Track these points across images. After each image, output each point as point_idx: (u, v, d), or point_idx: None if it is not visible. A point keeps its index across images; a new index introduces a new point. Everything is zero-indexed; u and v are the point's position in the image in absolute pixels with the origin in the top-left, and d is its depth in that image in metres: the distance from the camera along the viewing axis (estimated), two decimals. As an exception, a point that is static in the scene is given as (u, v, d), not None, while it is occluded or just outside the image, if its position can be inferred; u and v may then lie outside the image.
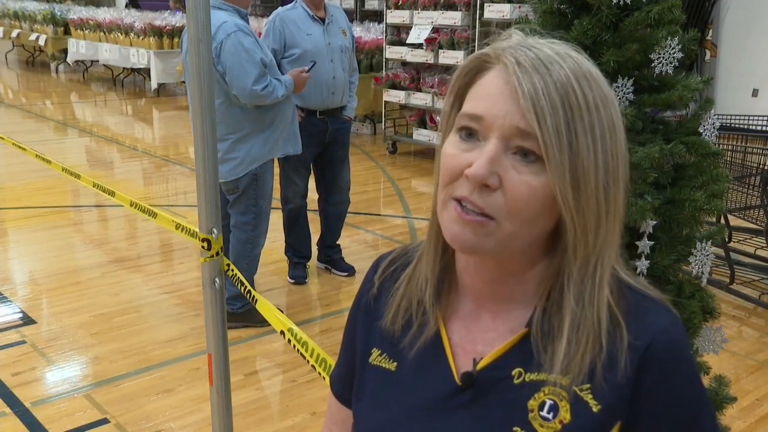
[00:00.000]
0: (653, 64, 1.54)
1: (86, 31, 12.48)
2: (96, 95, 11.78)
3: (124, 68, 12.14)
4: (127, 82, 12.73)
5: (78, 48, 12.64)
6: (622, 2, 1.50)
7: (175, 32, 10.77)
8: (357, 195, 5.71)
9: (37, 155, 4.35)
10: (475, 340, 0.90)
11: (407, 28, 7.55)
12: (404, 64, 7.85)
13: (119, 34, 11.53)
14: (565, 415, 0.82)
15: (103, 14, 12.24)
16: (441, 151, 0.86)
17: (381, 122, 8.26)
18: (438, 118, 7.19)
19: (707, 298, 1.66)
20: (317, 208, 4.45)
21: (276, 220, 4.27)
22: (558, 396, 0.83)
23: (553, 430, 0.82)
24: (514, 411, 0.84)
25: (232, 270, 2.09)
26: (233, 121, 3.50)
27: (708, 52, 8.60)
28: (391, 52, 7.78)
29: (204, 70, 1.88)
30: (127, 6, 14.12)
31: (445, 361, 0.90)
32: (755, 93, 8.26)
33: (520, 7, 6.41)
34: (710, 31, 8.52)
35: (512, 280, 0.88)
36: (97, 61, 12.72)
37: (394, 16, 7.68)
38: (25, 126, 9.09)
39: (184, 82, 9.76)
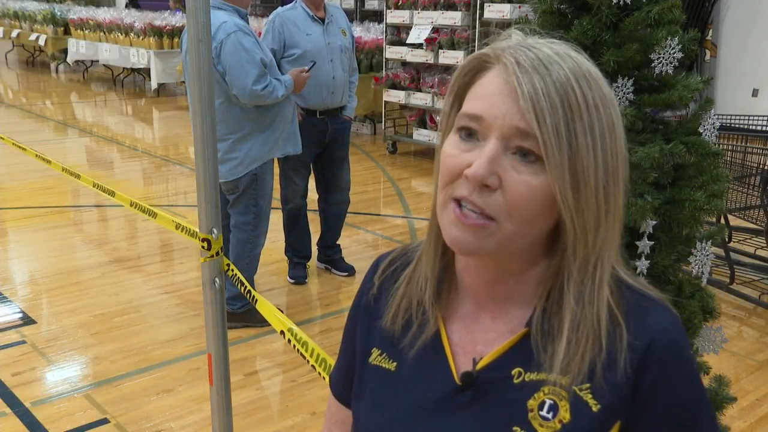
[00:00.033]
0: (653, 64, 1.54)
1: (86, 31, 12.48)
2: (96, 95, 11.77)
3: (124, 68, 12.15)
4: (127, 82, 12.73)
5: (78, 48, 12.64)
6: (622, 2, 1.50)
7: (175, 32, 10.78)
8: (357, 195, 5.71)
9: (37, 155, 4.35)
10: (474, 340, 0.90)
11: (407, 28, 7.54)
12: (404, 64, 7.85)
13: (119, 34, 11.53)
14: (564, 414, 0.82)
15: (103, 14, 12.24)
16: (441, 151, 0.86)
17: (381, 122, 8.26)
18: (438, 118, 7.19)
19: (707, 298, 1.66)
20: (317, 208, 4.46)
21: (276, 220, 4.27)
22: (558, 396, 0.83)
23: (553, 429, 0.82)
24: (513, 411, 0.84)
25: (232, 270, 2.09)
26: (233, 121, 3.50)
27: (708, 52, 8.59)
28: (391, 52, 7.78)
29: (204, 70, 1.88)
30: (127, 6, 14.12)
31: (444, 361, 0.90)
32: (755, 93, 8.26)
33: (520, 7, 6.41)
34: (710, 31, 8.51)
35: (512, 280, 0.88)
36: (97, 61, 12.73)
37: (394, 16, 7.67)
38: (25, 126, 9.09)
39: (184, 82, 9.76)
